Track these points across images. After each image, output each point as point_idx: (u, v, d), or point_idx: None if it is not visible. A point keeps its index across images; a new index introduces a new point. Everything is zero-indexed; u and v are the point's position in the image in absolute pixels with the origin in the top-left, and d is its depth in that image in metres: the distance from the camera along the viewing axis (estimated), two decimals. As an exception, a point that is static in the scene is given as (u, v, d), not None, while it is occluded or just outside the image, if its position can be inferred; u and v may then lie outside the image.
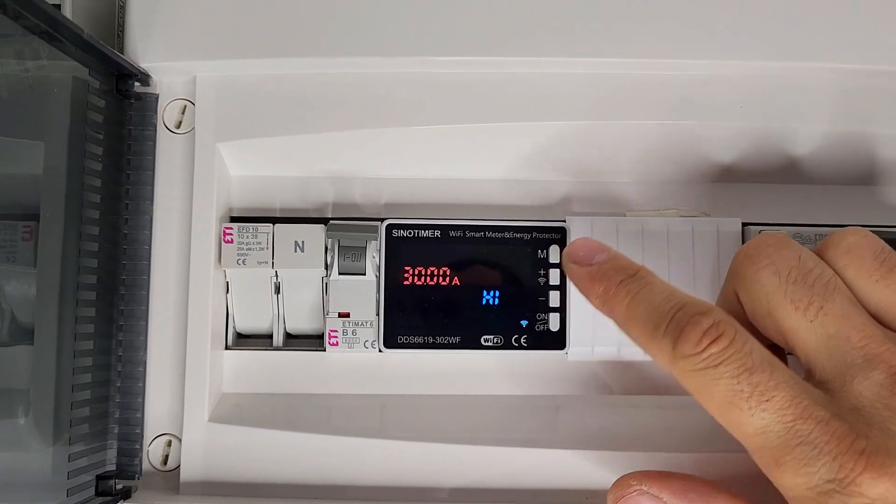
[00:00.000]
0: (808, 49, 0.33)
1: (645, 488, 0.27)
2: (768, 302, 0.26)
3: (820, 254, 0.26)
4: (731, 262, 0.28)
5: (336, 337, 0.34)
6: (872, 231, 0.32)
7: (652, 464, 0.31)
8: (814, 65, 0.33)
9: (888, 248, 0.26)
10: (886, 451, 0.22)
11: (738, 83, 0.33)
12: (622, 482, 0.27)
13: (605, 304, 0.27)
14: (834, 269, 0.26)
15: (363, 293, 0.34)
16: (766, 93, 0.33)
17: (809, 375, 0.25)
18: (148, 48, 0.33)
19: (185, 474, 0.32)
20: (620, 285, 0.27)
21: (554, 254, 0.34)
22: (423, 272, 0.33)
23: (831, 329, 0.24)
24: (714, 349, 0.24)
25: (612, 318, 0.27)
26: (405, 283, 0.33)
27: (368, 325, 0.34)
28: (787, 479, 0.23)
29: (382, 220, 0.34)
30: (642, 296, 0.26)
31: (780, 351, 0.28)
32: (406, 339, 0.33)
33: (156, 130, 0.34)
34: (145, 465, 0.32)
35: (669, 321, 0.25)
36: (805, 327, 0.25)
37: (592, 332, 0.34)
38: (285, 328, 0.35)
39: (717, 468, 0.31)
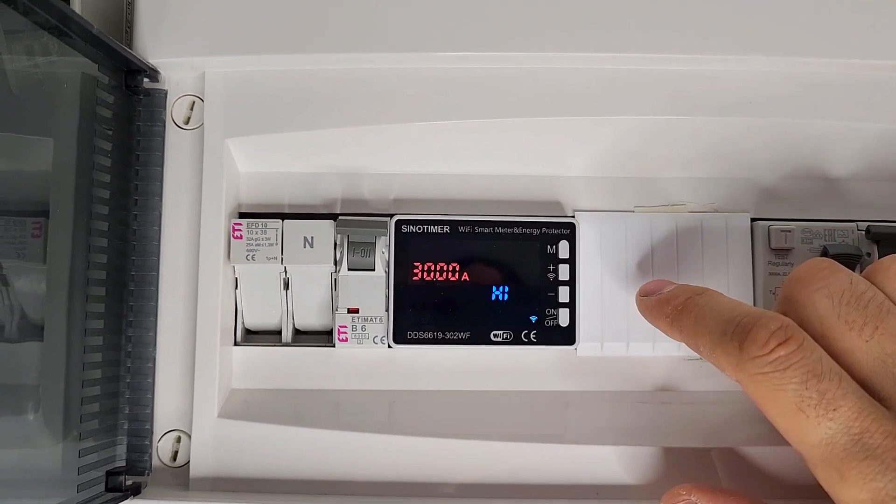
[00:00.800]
0: (821, 45, 0.33)
1: (693, 498, 0.27)
2: (822, 325, 0.25)
3: (869, 278, 0.26)
4: (782, 285, 0.28)
5: (345, 332, 0.34)
6: (877, 225, 0.32)
7: (661, 458, 0.31)
8: (827, 61, 0.33)
9: None
10: None
11: (746, 78, 0.33)
12: (674, 491, 0.28)
13: (674, 322, 0.28)
14: (884, 293, 0.26)
15: (372, 289, 0.34)
16: (775, 87, 0.33)
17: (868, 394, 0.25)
18: (157, 44, 0.33)
19: (195, 470, 0.32)
20: (688, 301, 0.27)
21: (563, 249, 0.34)
22: (432, 267, 0.33)
23: (889, 348, 0.24)
24: (782, 351, 0.23)
25: (681, 336, 0.28)
26: (414, 278, 0.33)
27: (378, 321, 0.34)
28: (852, 494, 0.23)
29: (392, 215, 0.34)
30: (709, 307, 0.26)
31: None
32: (415, 335, 0.33)
33: (165, 126, 0.34)
34: (155, 461, 0.32)
35: (737, 325, 0.25)
36: (861, 347, 0.25)
37: (602, 328, 0.34)
38: (294, 324, 0.35)
39: (725, 463, 0.31)
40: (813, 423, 0.23)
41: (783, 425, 0.24)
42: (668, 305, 0.28)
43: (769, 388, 0.24)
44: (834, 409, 0.23)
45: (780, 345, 0.24)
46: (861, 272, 0.27)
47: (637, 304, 0.31)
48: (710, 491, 0.27)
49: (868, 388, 0.25)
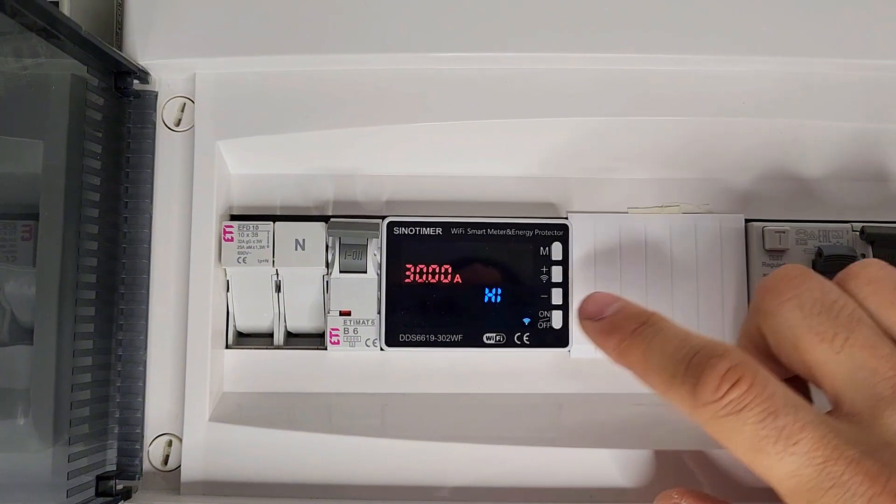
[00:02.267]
0: (812, 45, 0.32)
1: (684, 502, 0.27)
2: (793, 335, 0.25)
3: (841, 285, 0.26)
4: (753, 294, 0.28)
5: (337, 335, 0.33)
6: (871, 226, 0.32)
7: (655, 461, 0.31)
8: (819, 60, 0.33)
9: None
10: None
11: (742, 79, 0.33)
12: (666, 494, 0.27)
13: (621, 356, 0.27)
14: (856, 301, 0.25)
15: (364, 291, 0.33)
16: (769, 88, 0.33)
17: (837, 408, 0.25)
18: (147, 45, 0.33)
19: (186, 474, 0.32)
20: (633, 335, 0.26)
21: (556, 251, 0.34)
22: (424, 270, 0.33)
23: (859, 360, 0.24)
24: (734, 394, 0.23)
25: (631, 371, 0.27)
26: (406, 280, 0.33)
27: (370, 324, 0.33)
28: None
29: (383, 217, 0.34)
30: (656, 343, 0.26)
31: (802, 383, 0.27)
32: (407, 338, 0.33)
33: (155, 128, 0.33)
34: (146, 466, 0.32)
35: (686, 368, 0.24)
36: (832, 359, 0.24)
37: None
38: (286, 327, 0.35)
39: (721, 465, 0.31)
40: (776, 460, 0.23)
41: (748, 463, 0.24)
42: (614, 337, 0.27)
43: (726, 430, 0.23)
44: (794, 444, 0.22)
45: (732, 387, 0.23)
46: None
47: (581, 328, 0.29)
48: (700, 497, 0.27)
49: (840, 401, 0.24)
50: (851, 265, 0.26)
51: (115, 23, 0.35)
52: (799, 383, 0.28)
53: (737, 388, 0.23)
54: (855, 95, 0.33)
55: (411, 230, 0.33)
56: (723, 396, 0.23)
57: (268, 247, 0.33)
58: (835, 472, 0.22)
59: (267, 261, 0.33)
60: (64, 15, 0.28)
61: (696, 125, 0.33)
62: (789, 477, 0.23)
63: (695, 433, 0.32)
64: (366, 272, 0.33)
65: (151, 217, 0.33)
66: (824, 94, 0.33)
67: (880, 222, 0.35)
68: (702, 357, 0.24)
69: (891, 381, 0.23)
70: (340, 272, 0.33)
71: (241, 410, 0.33)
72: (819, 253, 0.33)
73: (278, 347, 0.35)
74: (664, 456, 0.31)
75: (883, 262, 0.26)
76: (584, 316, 0.29)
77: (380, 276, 0.33)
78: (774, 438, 0.23)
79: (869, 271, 0.26)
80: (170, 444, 0.32)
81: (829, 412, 0.25)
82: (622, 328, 0.27)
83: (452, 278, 0.33)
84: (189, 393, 0.32)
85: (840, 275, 0.26)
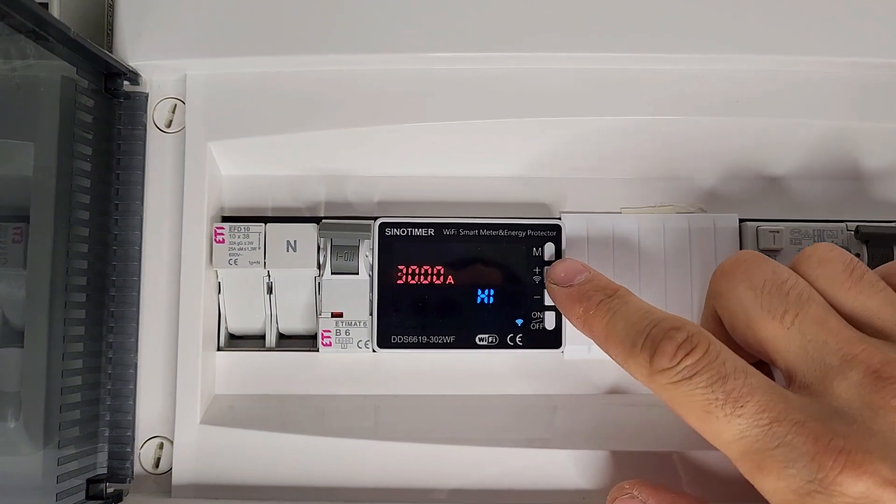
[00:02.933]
0: (804, 43, 0.32)
1: (637, 493, 0.28)
2: (746, 315, 0.26)
3: (793, 268, 0.27)
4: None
5: (329, 337, 0.33)
6: (866, 225, 0.32)
7: (648, 462, 0.31)
8: (810, 59, 0.32)
9: (856, 259, 0.27)
10: (865, 449, 0.22)
11: (735, 78, 0.33)
12: (619, 486, 0.28)
13: (585, 324, 0.29)
14: (808, 281, 0.26)
15: (356, 293, 0.33)
16: (761, 87, 0.33)
17: (790, 382, 0.26)
18: (137, 46, 0.33)
19: (178, 477, 0.32)
20: (600, 305, 0.28)
21: (549, 251, 0.33)
22: (416, 271, 0.33)
23: (808, 334, 0.25)
24: (688, 361, 0.24)
25: (593, 338, 0.28)
26: (399, 282, 0.33)
27: (362, 325, 0.33)
28: (770, 483, 0.23)
29: (375, 218, 0.33)
30: (620, 314, 0.27)
31: (765, 367, 0.28)
32: (400, 339, 0.33)
33: (146, 130, 0.33)
34: (137, 469, 0.32)
35: (646, 337, 0.26)
36: (783, 335, 0.25)
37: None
38: (278, 329, 0.35)
39: (713, 466, 0.31)
40: (723, 423, 0.24)
41: (699, 428, 0.25)
42: (580, 306, 0.29)
43: (679, 396, 0.25)
44: (741, 406, 0.24)
45: (686, 355, 0.25)
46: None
47: (547, 291, 0.31)
48: (654, 489, 0.28)
49: (792, 375, 0.25)
50: (807, 247, 0.28)
51: (105, 24, 0.35)
52: (761, 367, 0.28)
53: (691, 355, 0.24)
54: (844, 94, 0.33)
55: (403, 231, 0.33)
56: (677, 364, 0.24)
57: (259, 248, 0.33)
58: (780, 433, 0.23)
59: (258, 262, 0.33)
60: (52, 16, 0.28)
61: (690, 125, 0.33)
62: (737, 439, 0.24)
63: (688, 435, 0.32)
64: (358, 273, 0.33)
65: (142, 219, 0.33)
66: (813, 92, 0.33)
67: (875, 222, 0.34)
68: (660, 329, 0.25)
69: (839, 352, 0.24)
70: (332, 273, 0.33)
71: (232, 413, 0.33)
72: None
73: (270, 349, 0.35)
74: (659, 457, 0.31)
75: (833, 245, 0.27)
76: (552, 280, 0.30)
77: (372, 277, 0.33)
78: (723, 401, 0.24)
79: (818, 253, 0.27)
80: (161, 446, 0.32)
81: (783, 387, 0.25)
82: (590, 298, 0.28)
83: (445, 279, 0.33)
84: (180, 395, 0.32)
85: (793, 259, 0.28)
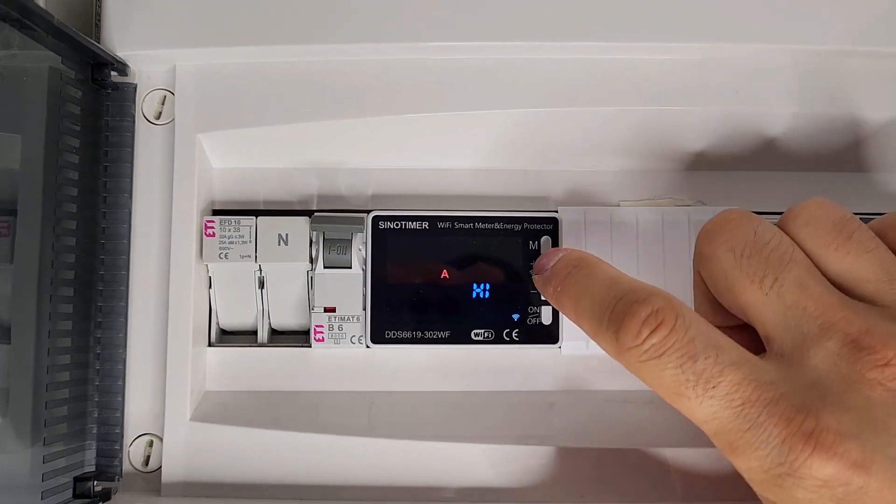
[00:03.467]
0: (806, 32, 0.32)
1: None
2: (726, 278, 0.25)
3: (781, 226, 0.26)
4: None
5: (322, 332, 0.33)
6: (870, 218, 0.31)
7: (648, 459, 0.31)
8: (813, 48, 0.32)
9: (849, 215, 0.25)
10: (836, 430, 0.21)
11: (735, 67, 0.32)
12: None
13: (557, 302, 0.28)
14: (794, 241, 0.25)
15: (349, 287, 0.33)
16: (761, 78, 0.32)
17: (769, 349, 0.25)
18: (125, 36, 0.32)
19: (167, 475, 0.31)
20: (567, 278, 0.27)
21: (546, 245, 0.33)
22: (410, 265, 0.33)
23: (788, 300, 0.24)
24: (655, 339, 0.23)
25: (566, 316, 0.28)
26: (392, 276, 0.33)
27: (355, 320, 0.33)
28: (743, 463, 0.23)
29: (369, 211, 0.33)
30: (586, 287, 0.26)
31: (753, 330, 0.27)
32: (394, 334, 0.32)
33: (134, 121, 0.33)
34: (126, 466, 0.32)
35: (611, 313, 0.25)
36: (762, 300, 0.24)
37: (586, 326, 0.33)
38: (270, 324, 0.34)
39: (712, 464, 0.31)
40: (696, 403, 0.23)
41: (672, 404, 0.24)
42: (550, 285, 0.28)
43: (649, 374, 0.24)
44: (713, 387, 0.23)
45: (652, 332, 0.23)
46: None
47: (534, 282, 0.30)
48: None
49: (770, 342, 0.25)
50: (793, 205, 0.26)
51: (94, 13, 0.34)
52: (751, 329, 0.28)
53: (657, 333, 0.23)
54: (844, 84, 0.32)
55: (397, 224, 0.33)
56: (644, 342, 0.23)
57: (250, 242, 0.32)
58: (752, 415, 0.22)
59: (249, 256, 0.32)
60: (36, 5, 0.27)
61: (688, 115, 0.32)
62: (710, 419, 0.23)
63: (687, 432, 0.31)
64: (351, 267, 0.33)
65: (131, 212, 0.32)
66: (813, 82, 0.32)
67: (878, 214, 0.34)
68: (624, 303, 0.24)
69: (818, 319, 0.23)
70: (325, 268, 0.33)
71: (223, 409, 0.33)
72: None
73: (262, 345, 0.34)
74: (657, 454, 0.31)
75: (825, 201, 0.26)
76: (534, 271, 0.29)
77: (365, 271, 0.33)
78: (694, 382, 0.23)
79: (808, 211, 0.26)
80: (150, 444, 0.32)
81: (762, 354, 0.25)
82: (558, 274, 0.27)
83: (439, 273, 0.33)
84: (170, 392, 0.31)
85: (782, 215, 0.26)
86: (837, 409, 0.22)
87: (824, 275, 0.25)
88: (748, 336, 0.26)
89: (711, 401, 0.23)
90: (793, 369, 0.23)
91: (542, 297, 0.32)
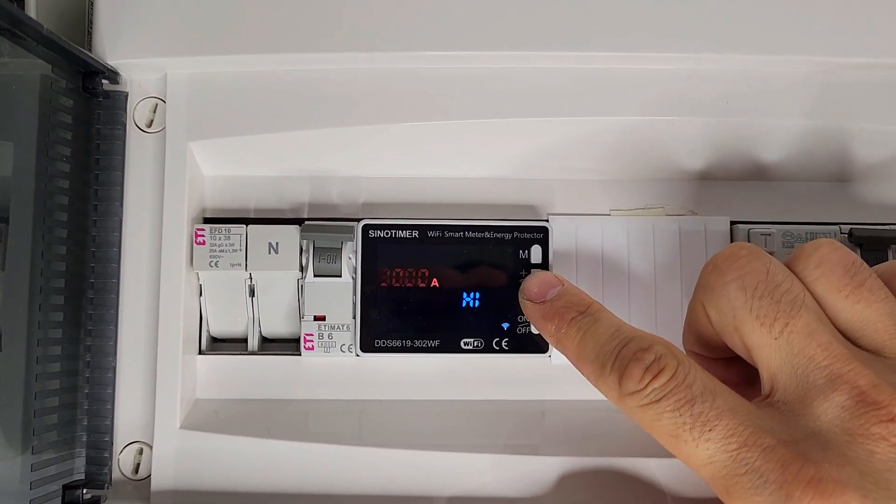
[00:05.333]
0: (794, 43, 0.32)
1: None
2: (734, 317, 0.25)
3: (790, 266, 0.26)
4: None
5: (312, 341, 0.33)
6: (860, 228, 0.31)
7: (637, 469, 0.31)
8: (802, 59, 0.32)
9: (860, 261, 0.25)
10: (837, 479, 0.21)
11: (723, 79, 0.32)
12: None
13: (557, 343, 0.28)
14: (804, 283, 0.25)
15: (339, 295, 0.33)
16: (752, 88, 0.32)
17: (771, 394, 0.25)
18: (116, 45, 0.32)
19: (157, 483, 0.31)
20: (571, 323, 0.27)
21: (536, 254, 0.33)
22: (400, 274, 0.33)
23: (796, 347, 0.24)
24: (656, 384, 0.24)
25: (565, 356, 0.28)
26: (382, 284, 0.32)
27: (345, 329, 0.33)
28: None
29: (359, 220, 0.33)
30: (590, 334, 0.27)
31: (745, 365, 0.27)
32: (384, 343, 0.32)
33: (125, 129, 0.33)
34: (115, 474, 0.32)
35: (615, 359, 0.25)
36: (769, 344, 0.24)
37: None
38: (261, 332, 0.34)
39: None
40: (692, 447, 0.23)
41: (670, 450, 0.24)
42: (552, 324, 0.28)
43: (648, 418, 0.24)
44: (710, 430, 0.23)
45: (654, 378, 0.24)
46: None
47: (521, 307, 0.30)
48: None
49: (775, 387, 0.24)
50: (804, 245, 0.26)
51: (85, 22, 0.34)
52: (745, 364, 0.28)
53: (658, 378, 0.24)
54: (835, 95, 0.32)
55: (387, 233, 0.33)
56: (646, 387, 0.24)
57: (240, 250, 0.32)
58: (748, 459, 0.22)
59: (240, 264, 0.32)
60: (24, 14, 0.27)
61: (680, 125, 0.32)
62: (706, 463, 0.23)
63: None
64: (341, 276, 0.33)
65: (122, 220, 0.32)
66: (804, 93, 0.32)
67: (869, 224, 0.34)
68: (629, 350, 0.25)
69: (825, 370, 0.23)
70: (315, 276, 0.33)
71: (214, 417, 0.33)
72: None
73: (252, 353, 0.34)
74: (649, 464, 0.31)
75: (836, 243, 0.26)
76: (525, 297, 0.29)
77: (355, 279, 0.33)
78: (690, 425, 0.23)
79: (820, 252, 0.25)
80: (140, 452, 0.32)
81: (763, 397, 0.25)
82: (561, 315, 0.28)
83: (429, 282, 0.33)
84: (160, 400, 0.31)
85: (791, 255, 0.26)
86: (838, 459, 0.22)
87: (833, 319, 0.25)
88: (735, 372, 0.26)
89: (708, 444, 0.23)
90: (794, 417, 0.23)
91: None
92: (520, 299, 0.30)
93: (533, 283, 0.29)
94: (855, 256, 0.25)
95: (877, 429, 0.22)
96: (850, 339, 0.25)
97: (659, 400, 0.24)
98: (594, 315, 0.27)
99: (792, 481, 0.21)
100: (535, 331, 0.32)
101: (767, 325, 0.24)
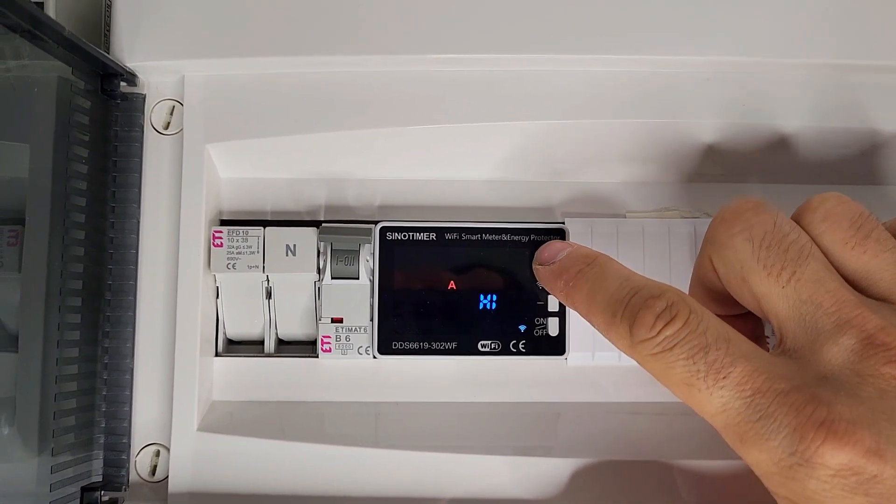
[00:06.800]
0: (811, 46, 0.32)
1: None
2: (742, 268, 0.25)
3: (797, 219, 0.26)
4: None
5: (329, 343, 0.33)
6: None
7: (652, 471, 0.31)
8: (818, 61, 0.32)
9: (867, 213, 0.25)
10: (850, 420, 0.21)
11: (738, 81, 0.32)
12: None
13: (567, 297, 0.28)
14: (810, 235, 0.25)
15: (357, 298, 0.33)
16: (768, 90, 0.32)
17: (781, 342, 0.25)
18: (134, 47, 0.32)
19: (174, 485, 0.31)
20: (578, 275, 0.27)
21: (553, 257, 0.33)
22: (418, 276, 0.33)
23: (804, 294, 0.24)
24: (668, 331, 0.24)
25: (576, 311, 0.28)
26: (400, 287, 0.33)
27: (362, 331, 0.33)
28: (753, 456, 0.23)
29: (376, 222, 0.33)
30: (599, 283, 0.26)
31: (756, 318, 0.28)
32: (401, 345, 0.33)
33: (143, 131, 0.33)
34: (133, 476, 0.32)
35: (625, 307, 0.25)
36: (777, 293, 0.24)
37: (593, 337, 0.33)
38: (277, 334, 0.34)
39: (718, 475, 0.31)
40: (706, 395, 0.23)
41: (683, 399, 0.24)
42: (561, 279, 0.28)
43: (661, 367, 0.24)
44: (724, 377, 0.23)
45: (666, 325, 0.24)
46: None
47: (535, 274, 0.30)
48: None
49: (784, 335, 0.25)
50: (810, 199, 0.26)
51: (103, 24, 0.35)
52: (753, 319, 0.28)
53: (671, 325, 0.24)
54: (847, 97, 0.32)
55: (404, 235, 0.33)
56: (657, 334, 0.24)
57: (258, 252, 0.32)
58: (762, 405, 0.22)
59: (257, 266, 0.32)
60: (47, 16, 0.27)
61: (693, 127, 0.32)
62: (720, 411, 0.23)
63: (693, 444, 0.31)
64: (358, 278, 0.33)
65: (139, 222, 0.32)
66: (817, 95, 0.32)
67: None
68: (640, 297, 0.25)
69: (833, 315, 0.23)
70: (332, 278, 0.33)
71: (230, 419, 0.33)
72: None
73: (269, 355, 0.34)
74: (664, 467, 0.31)
75: (843, 196, 0.26)
76: (537, 262, 0.30)
77: (372, 282, 0.33)
78: (704, 373, 0.23)
79: (826, 206, 0.26)
80: (157, 454, 0.32)
81: (774, 347, 0.25)
82: (568, 270, 0.28)
83: (446, 284, 0.33)
84: (177, 402, 0.31)
85: (798, 209, 0.26)
86: (850, 400, 0.22)
87: (840, 271, 0.25)
88: (742, 328, 0.26)
89: (722, 391, 0.23)
90: (805, 363, 0.23)
91: (548, 306, 0.32)
92: (533, 267, 0.30)
93: (544, 249, 0.30)
94: (861, 208, 0.26)
95: (887, 369, 0.22)
96: (857, 288, 0.25)
97: (672, 347, 0.23)
98: (602, 265, 0.27)
99: (805, 424, 0.22)
100: (552, 332, 0.33)
101: (775, 275, 0.24)
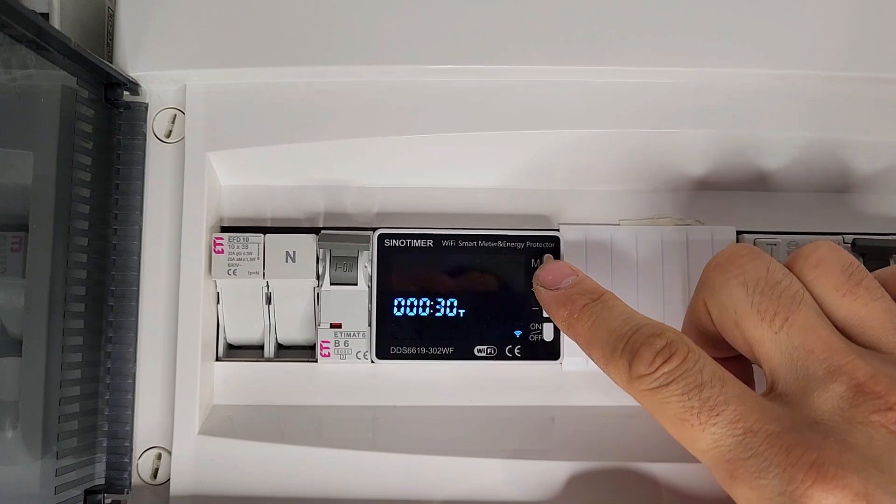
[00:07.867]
0: (799, 56, 0.32)
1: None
2: (735, 312, 0.26)
3: (790, 266, 0.27)
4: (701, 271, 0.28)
5: (328, 348, 0.33)
6: (863, 238, 0.32)
7: (646, 475, 0.31)
8: (806, 73, 0.33)
9: (856, 262, 0.26)
10: (839, 463, 0.22)
11: (730, 91, 0.33)
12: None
13: (569, 328, 0.28)
14: (802, 282, 0.26)
15: (355, 303, 0.33)
16: (758, 101, 0.33)
17: (772, 387, 0.25)
18: (137, 57, 0.33)
19: (175, 488, 0.32)
20: (583, 309, 0.28)
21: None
22: (415, 282, 0.33)
23: (795, 340, 0.25)
24: (666, 368, 0.24)
25: (576, 341, 0.28)
26: (398, 292, 0.33)
27: (360, 336, 0.33)
28: (742, 493, 0.23)
29: (374, 229, 0.33)
30: (602, 319, 0.27)
31: (746, 362, 0.28)
32: (399, 350, 0.33)
33: (145, 140, 0.33)
34: (135, 479, 0.32)
35: (626, 343, 0.25)
36: (770, 338, 0.25)
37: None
38: (277, 339, 0.35)
39: (713, 480, 0.31)
40: (698, 431, 0.24)
41: (675, 435, 0.25)
42: (565, 309, 0.28)
43: (656, 402, 0.24)
44: (717, 415, 0.23)
45: (664, 362, 0.24)
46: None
47: (535, 292, 0.30)
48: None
49: (775, 380, 0.25)
50: (803, 246, 0.27)
51: (105, 34, 0.35)
52: (743, 362, 0.29)
53: (669, 362, 0.24)
54: (841, 108, 0.33)
55: (402, 242, 0.33)
56: (656, 370, 0.24)
57: (258, 259, 0.33)
58: (753, 444, 0.23)
59: (257, 273, 0.33)
60: (53, 27, 0.28)
61: (686, 137, 0.33)
62: (712, 447, 0.24)
63: (685, 449, 0.32)
64: (357, 284, 0.33)
65: (141, 229, 0.33)
66: (809, 106, 0.33)
67: (872, 234, 0.35)
68: (641, 334, 0.25)
69: (824, 362, 0.24)
70: (331, 284, 0.33)
71: (231, 423, 0.33)
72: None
73: (269, 360, 0.35)
74: (658, 470, 0.31)
75: (834, 244, 0.27)
76: (539, 283, 0.30)
77: (371, 288, 0.33)
78: (698, 409, 0.24)
79: (818, 253, 0.26)
80: (159, 457, 0.32)
81: (764, 392, 0.26)
82: (574, 302, 0.28)
83: (443, 290, 0.33)
84: (179, 405, 0.32)
85: (790, 256, 0.27)
86: (840, 445, 0.22)
87: (830, 318, 0.26)
88: (736, 370, 0.26)
89: (714, 428, 0.23)
90: (796, 408, 0.24)
91: (543, 311, 0.33)
92: (534, 285, 0.30)
93: (548, 271, 0.30)
94: (852, 258, 0.26)
95: (876, 417, 0.23)
96: (847, 335, 0.25)
97: (668, 384, 0.24)
98: (607, 302, 0.28)
99: (795, 464, 0.22)
100: (547, 338, 0.33)
101: (768, 320, 0.25)
